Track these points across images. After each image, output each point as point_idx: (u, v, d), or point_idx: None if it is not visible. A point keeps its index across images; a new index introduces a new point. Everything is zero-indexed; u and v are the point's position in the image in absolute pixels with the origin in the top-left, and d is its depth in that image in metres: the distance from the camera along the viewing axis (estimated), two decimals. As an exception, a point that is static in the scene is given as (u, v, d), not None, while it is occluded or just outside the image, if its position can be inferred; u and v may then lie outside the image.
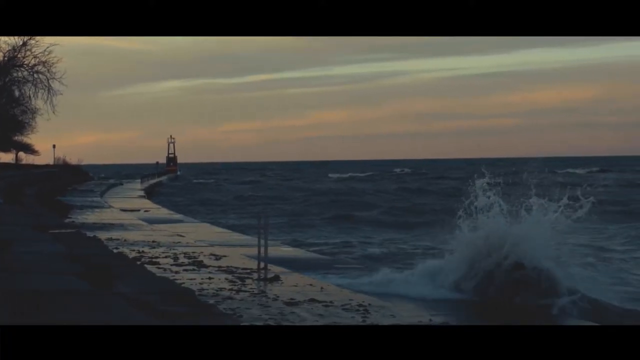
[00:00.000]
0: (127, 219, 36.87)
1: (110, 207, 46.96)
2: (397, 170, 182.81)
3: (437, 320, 14.61)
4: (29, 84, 60.79)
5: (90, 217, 37.19)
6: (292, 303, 15.34)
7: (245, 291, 16.55)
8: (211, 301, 14.49)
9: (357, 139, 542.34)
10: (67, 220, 32.40)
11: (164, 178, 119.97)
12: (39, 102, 63.10)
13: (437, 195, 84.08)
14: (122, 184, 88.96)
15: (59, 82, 59.55)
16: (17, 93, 64.81)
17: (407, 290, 19.04)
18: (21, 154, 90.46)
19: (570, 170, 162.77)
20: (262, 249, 20.82)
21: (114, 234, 28.00)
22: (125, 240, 26.19)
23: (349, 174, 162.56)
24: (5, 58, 61.67)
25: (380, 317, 14.21)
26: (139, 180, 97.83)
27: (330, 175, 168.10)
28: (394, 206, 65.74)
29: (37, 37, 57.90)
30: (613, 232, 42.56)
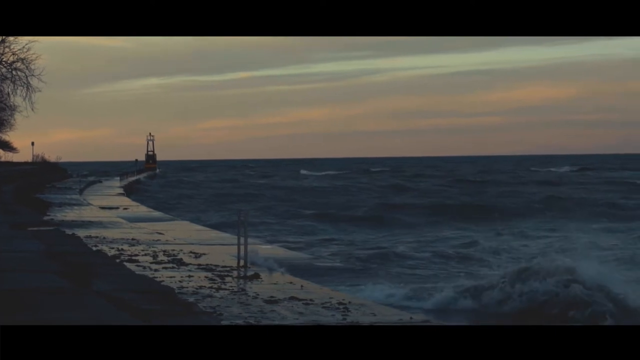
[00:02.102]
0: (106, 217, 36.74)
1: (89, 204, 46.79)
2: (374, 169, 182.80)
3: (418, 319, 14.63)
4: (8, 81, 60.39)
5: (69, 214, 37.03)
6: (272, 301, 15.33)
7: (225, 289, 16.51)
8: (191, 299, 14.47)
9: (338, 136, 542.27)
10: (45, 218, 32.28)
11: (142, 175, 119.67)
12: (17, 99, 62.62)
13: (417, 192, 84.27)
14: (101, 182, 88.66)
15: (38, 79, 59.06)
16: (-5, 90, 64.38)
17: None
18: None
19: (552, 169, 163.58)
20: (242, 247, 20.79)
21: (93, 232, 27.89)
22: (104, 237, 26.09)
23: (325, 172, 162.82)
24: (-17, 55, 61.31)
25: (360, 316, 14.21)
26: (118, 178, 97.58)
27: (302, 172, 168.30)
28: (373, 204, 65.80)
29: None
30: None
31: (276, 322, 13.38)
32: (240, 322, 13.16)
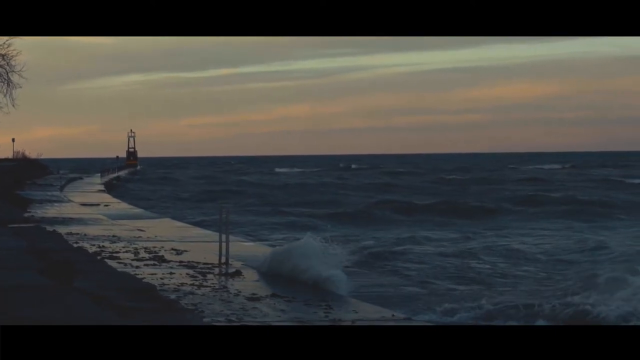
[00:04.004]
0: (87, 213, 36.62)
1: (70, 201, 46.62)
2: (355, 166, 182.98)
3: (400, 316, 14.63)
4: (-12, 77, 60.11)
5: (50, 211, 36.88)
6: (254, 298, 15.30)
7: (207, 286, 16.48)
8: (172, 296, 14.43)
9: (319, 134, 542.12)
10: (26, 215, 32.15)
11: (123, 172, 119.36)
12: (-2, 96, 62.44)
13: (403, 189, 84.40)
14: (82, 178, 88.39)
15: (19, 75, 58.75)
16: (-25, 86, 64.07)
17: None
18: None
19: (531, 166, 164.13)
20: (224, 244, 20.75)
21: (74, 229, 27.78)
22: (85, 234, 26.01)
23: (301, 169, 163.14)
24: (-36, 51, 60.97)
25: (343, 313, 14.21)
26: (99, 175, 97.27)
27: (277, 169, 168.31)
28: (359, 201, 65.83)
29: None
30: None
31: (258, 320, 13.36)
32: (222, 319, 13.13)
